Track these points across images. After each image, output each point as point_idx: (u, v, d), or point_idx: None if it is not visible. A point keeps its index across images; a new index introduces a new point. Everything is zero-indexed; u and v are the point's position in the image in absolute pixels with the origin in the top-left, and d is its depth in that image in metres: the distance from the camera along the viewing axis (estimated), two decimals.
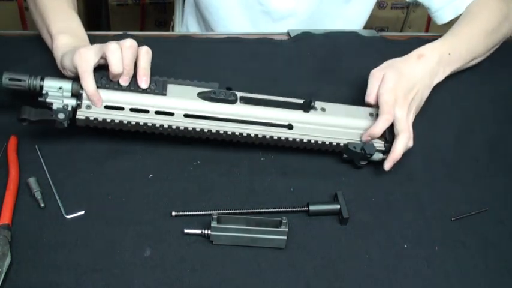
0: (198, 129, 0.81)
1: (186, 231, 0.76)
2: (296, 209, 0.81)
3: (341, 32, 1.08)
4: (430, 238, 0.80)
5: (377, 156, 0.85)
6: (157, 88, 0.80)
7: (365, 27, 1.23)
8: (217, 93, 0.82)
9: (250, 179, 0.84)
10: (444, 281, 0.75)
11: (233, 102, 0.82)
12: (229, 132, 0.82)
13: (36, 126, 0.82)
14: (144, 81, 0.79)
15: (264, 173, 0.85)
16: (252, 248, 0.76)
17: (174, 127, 0.80)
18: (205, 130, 0.81)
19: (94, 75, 0.77)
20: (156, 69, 0.94)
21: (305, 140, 0.84)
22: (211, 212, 0.75)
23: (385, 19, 2.21)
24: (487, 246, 0.80)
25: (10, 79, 0.78)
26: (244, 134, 0.82)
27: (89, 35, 0.90)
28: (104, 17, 2.16)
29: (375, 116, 0.85)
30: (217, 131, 0.82)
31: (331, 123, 0.85)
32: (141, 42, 0.86)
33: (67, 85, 0.79)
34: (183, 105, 0.81)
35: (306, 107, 0.83)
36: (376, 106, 0.86)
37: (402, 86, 0.85)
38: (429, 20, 2.21)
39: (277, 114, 0.84)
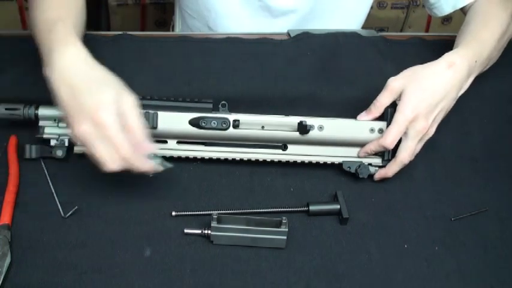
0: (191, 157, 0.84)
1: (186, 231, 0.76)
2: (296, 209, 0.81)
3: (341, 32, 1.08)
4: (430, 238, 0.80)
5: (373, 169, 0.85)
6: (148, 122, 0.80)
7: (365, 27, 1.22)
8: (208, 120, 0.80)
9: (250, 179, 0.84)
10: (444, 281, 0.75)
11: (225, 129, 0.81)
12: (222, 158, 0.84)
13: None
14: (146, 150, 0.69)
15: (264, 173, 0.85)
16: (252, 248, 0.76)
17: (167, 156, 0.83)
18: (199, 157, 0.84)
19: None
20: (156, 69, 0.95)
21: (299, 161, 0.84)
22: (211, 212, 0.75)
23: (385, 19, 2.21)
24: (487, 246, 0.80)
25: (6, 109, 0.81)
26: (237, 159, 0.84)
27: (89, 35, 0.90)
28: (104, 17, 2.16)
29: (376, 131, 0.83)
30: (210, 158, 0.84)
31: (328, 142, 0.83)
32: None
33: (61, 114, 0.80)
34: (174, 135, 0.82)
35: (303, 131, 0.81)
36: (379, 118, 0.84)
37: (424, 106, 0.80)
38: (429, 20, 2.21)
39: (271, 136, 0.83)
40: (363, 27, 1.23)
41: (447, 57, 0.84)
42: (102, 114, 0.66)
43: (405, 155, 0.81)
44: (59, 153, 0.82)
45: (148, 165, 0.70)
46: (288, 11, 1.13)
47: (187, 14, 1.21)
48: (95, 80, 0.70)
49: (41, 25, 0.77)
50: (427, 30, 2.12)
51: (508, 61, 1.05)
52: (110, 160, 0.67)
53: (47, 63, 0.72)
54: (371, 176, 0.85)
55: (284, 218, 0.75)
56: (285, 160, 0.84)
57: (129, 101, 0.68)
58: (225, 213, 0.77)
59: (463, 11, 1.03)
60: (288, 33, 1.10)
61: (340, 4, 1.15)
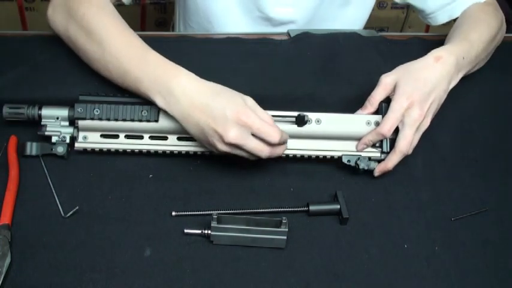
0: (191, 152, 0.83)
1: (186, 231, 0.76)
2: (296, 209, 0.81)
3: (341, 32, 1.08)
4: (430, 238, 0.80)
5: (373, 165, 0.85)
6: (149, 115, 0.80)
7: (365, 27, 1.23)
8: None
9: (250, 179, 0.84)
10: (444, 281, 0.75)
11: None
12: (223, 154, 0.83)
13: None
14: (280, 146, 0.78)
15: (264, 173, 0.85)
16: (252, 248, 0.76)
17: (168, 152, 0.83)
18: (199, 153, 0.84)
19: (87, 107, 0.79)
20: None
21: (298, 156, 0.84)
22: (211, 212, 0.75)
23: (385, 19, 2.21)
24: (487, 246, 0.80)
25: (10, 108, 0.82)
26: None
27: None
28: None
29: (373, 123, 0.84)
30: (211, 153, 0.83)
31: (326, 135, 0.84)
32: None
33: (64, 113, 0.82)
34: (175, 130, 0.81)
35: (300, 123, 0.81)
36: (374, 113, 0.85)
37: (418, 94, 0.82)
38: None
39: None
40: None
41: (434, 52, 0.88)
42: (244, 116, 0.73)
43: (404, 143, 0.82)
44: (60, 149, 0.82)
45: (284, 148, 0.79)
46: (288, 21, 1.14)
47: (188, 25, 1.21)
48: (217, 93, 0.76)
49: (122, 59, 0.80)
50: (427, 30, 2.11)
51: (508, 62, 1.05)
52: (261, 150, 0.75)
53: (160, 96, 0.77)
54: (371, 172, 0.85)
55: (284, 218, 0.75)
56: (284, 155, 0.84)
57: (250, 100, 0.77)
58: (225, 213, 0.77)
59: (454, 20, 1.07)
60: (288, 33, 1.10)
61: (339, 14, 1.16)
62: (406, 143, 0.82)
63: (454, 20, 1.06)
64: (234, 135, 0.73)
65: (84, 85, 0.88)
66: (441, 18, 1.07)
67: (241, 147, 0.74)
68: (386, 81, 0.84)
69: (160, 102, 0.77)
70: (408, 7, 2.17)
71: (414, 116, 0.82)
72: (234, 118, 0.73)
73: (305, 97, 0.94)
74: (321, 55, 1.02)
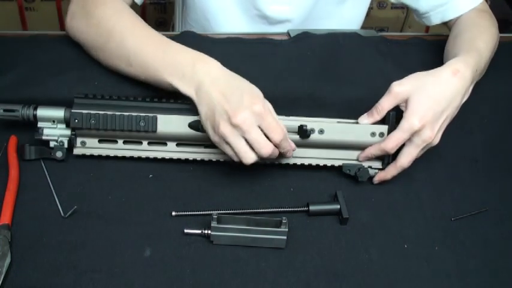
0: (191, 159, 0.83)
1: (186, 231, 0.76)
2: (296, 209, 0.81)
3: (341, 32, 1.08)
4: (430, 238, 0.80)
5: (372, 172, 0.85)
6: (147, 126, 0.79)
7: (365, 27, 1.23)
8: None
9: (250, 179, 0.84)
10: (444, 281, 0.75)
11: None
12: (222, 160, 0.83)
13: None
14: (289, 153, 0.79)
15: (264, 173, 0.85)
16: (252, 248, 0.76)
17: (167, 158, 0.83)
18: (198, 159, 0.84)
19: (82, 117, 0.78)
20: None
21: (299, 164, 0.84)
22: (211, 212, 0.75)
23: (385, 19, 2.21)
24: (487, 246, 0.80)
25: (4, 110, 0.80)
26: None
27: None
28: None
29: (378, 135, 0.82)
30: (210, 160, 0.83)
31: (328, 145, 0.83)
32: None
33: (59, 114, 0.80)
34: (174, 138, 0.81)
35: (303, 136, 0.80)
36: (379, 122, 0.83)
37: (431, 114, 0.79)
38: None
39: None
40: (362, 27, 1.23)
41: (452, 64, 0.83)
42: (258, 105, 0.73)
43: (406, 160, 0.81)
44: (59, 154, 0.82)
45: (277, 152, 0.77)
46: (284, 19, 1.14)
47: (188, 23, 1.22)
48: (240, 81, 0.78)
49: (143, 51, 0.82)
50: (427, 30, 2.11)
51: (508, 62, 1.05)
52: (263, 143, 0.74)
53: (183, 79, 0.78)
54: (370, 178, 0.85)
55: (284, 218, 0.75)
56: (285, 162, 0.84)
57: (268, 103, 0.77)
58: (225, 213, 0.77)
59: (448, 24, 1.06)
60: (288, 33, 1.10)
61: (335, 12, 1.16)
62: (409, 160, 0.81)
63: (445, 23, 1.06)
64: (243, 117, 0.72)
65: (84, 85, 0.88)
66: (434, 19, 1.07)
67: (245, 133, 0.73)
68: (397, 91, 0.80)
69: (181, 86, 0.78)
70: (408, 7, 2.17)
71: (424, 137, 0.79)
72: (248, 104, 0.73)
73: (305, 97, 0.94)
74: (321, 55, 1.02)
